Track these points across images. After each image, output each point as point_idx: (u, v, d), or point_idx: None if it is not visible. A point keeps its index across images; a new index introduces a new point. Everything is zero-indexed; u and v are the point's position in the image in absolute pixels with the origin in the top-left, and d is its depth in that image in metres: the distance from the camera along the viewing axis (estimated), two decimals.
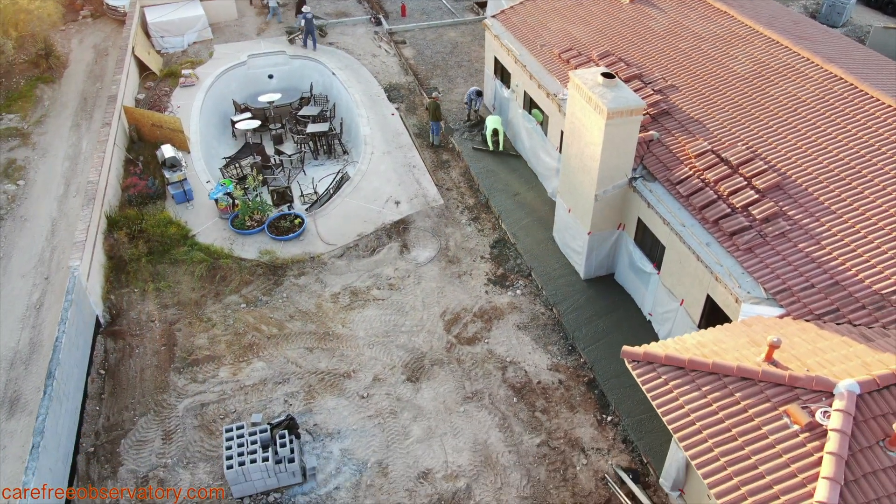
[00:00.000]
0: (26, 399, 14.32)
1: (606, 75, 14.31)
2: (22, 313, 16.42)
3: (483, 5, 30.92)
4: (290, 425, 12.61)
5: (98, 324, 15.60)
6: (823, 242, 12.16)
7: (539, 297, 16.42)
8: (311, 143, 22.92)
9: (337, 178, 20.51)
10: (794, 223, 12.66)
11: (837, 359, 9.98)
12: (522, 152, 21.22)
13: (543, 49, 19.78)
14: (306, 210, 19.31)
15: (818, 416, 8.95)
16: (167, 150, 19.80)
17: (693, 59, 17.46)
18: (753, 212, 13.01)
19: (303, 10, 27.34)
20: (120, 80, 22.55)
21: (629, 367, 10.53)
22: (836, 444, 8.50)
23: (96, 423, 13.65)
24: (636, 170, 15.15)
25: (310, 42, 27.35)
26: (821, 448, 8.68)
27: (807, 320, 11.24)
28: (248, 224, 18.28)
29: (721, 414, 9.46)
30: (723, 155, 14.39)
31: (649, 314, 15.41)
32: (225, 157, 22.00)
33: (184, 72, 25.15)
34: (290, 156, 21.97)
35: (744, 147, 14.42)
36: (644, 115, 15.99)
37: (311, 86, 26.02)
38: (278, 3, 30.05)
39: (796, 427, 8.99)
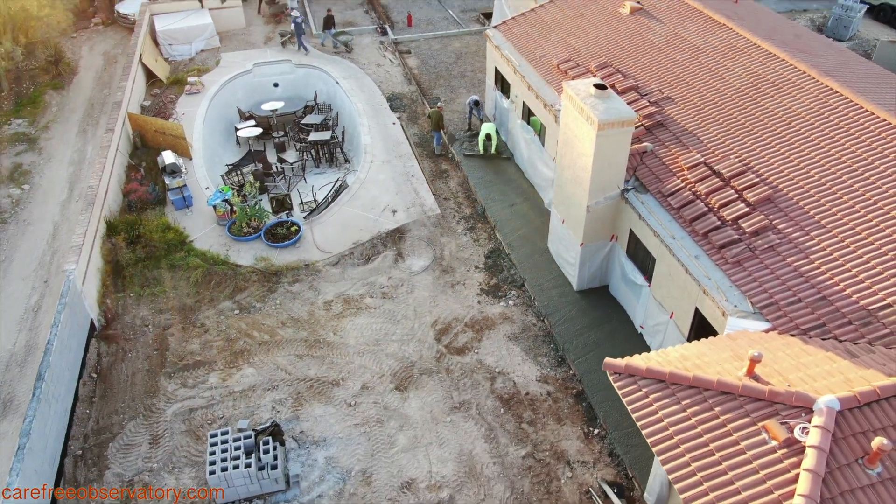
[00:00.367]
0: (19, 401, 14.46)
1: (599, 86, 14.31)
2: (20, 316, 16.61)
3: (489, 16, 31.07)
4: (275, 432, 12.64)
5: (93, 327, 15.75)
6: (812, 257, 12.04)
7: (531, 308, 16.37)
8: (313, 151, 23.08)
9: (335, 187, 20.61)
10: (784, 237, 12.55)
11: (820, 374, 9.86)
12: (521, 163, 21.23)
13: (543, 60, 19.82)
14: (304, 218, 19.42)
15: (797, 433, 8.83)
16: (168, 157, 20.02)
17: (690, 70, 17.42)
18: (743, 225, 12.92)
19: (291, 13, 27.75)
20: (125, 86, 22.86)
21: (611, 379, 10.47)
22: (814, 461, 8.38)
23: (85, 427, 13.75)
24: (629, 181, 15.11)
25: (305, 45, 27.91)
26: (798, 465, 8.56)
27: (792, 335, 11.13)
28: (245, 231, 18.41)
29: (700, 428, 9.37)
30: (715, 167, 14.32)
31: (641, 326, 15.32)
32: (228, 164, 22.21)
33: (189, 79, 25.44)
34: (291, 164, 22.13)
35: (736, 160, 14.35)
36: (638, 126, 16.00)
37: (316, 94, 26.24)
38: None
39: (774, 443, 8.88)
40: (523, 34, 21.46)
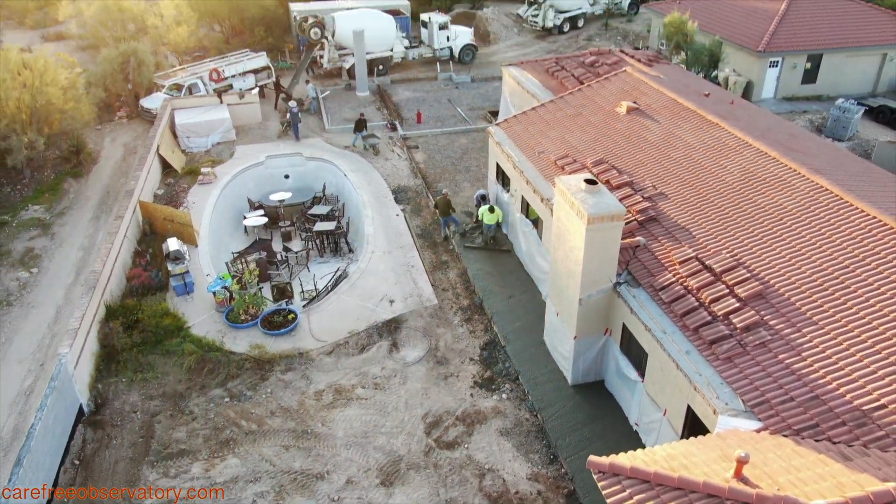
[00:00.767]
0: (0, 486, 14.18)
1: (589, 181, 14.58)
2: (12, 399, 16.58)
3: (495, 114, 32.16)
4: None
5: (81, 412, 15.61)
6: (804, 354, 11.79)
7: (525, 403, 16.03)
8: (317, 240, 23.47)
9: (335, 276, 20.79)
10: (776, 333, 12.35)
11: (811, 478, 9.43)
12: (520, 255, 21.38)
13: (541, 156, 20.32)
14: (303, 306, 19.50)
15: None
16: (172, 244, 20.45)
17: (684, 167, 17.74)
18: (734, 320, 12.76)
19: (289, 104, 29.45)
20: (140, 175, 23.68)
21: (595, 478, 10.09)
22: None
23: None
24: (621, 275, 15.11)
25: (297, 133, 29.57)
26: None
27: (784, 435, 10.73)
28: (242, 318, 18.48)
29: None
30: (707, 262, 14.31)
31: (636, 423, 14.88)
32: (233, 252, 22.59)
33: (203, 170, 26.33)
34: (295, 252, 22.46)
35: (728, 254, 14.35)
36: (631, 221, 16.16)
37: (325, 186, 26.97)
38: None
39: None
40: (524, 131, 22.13)
